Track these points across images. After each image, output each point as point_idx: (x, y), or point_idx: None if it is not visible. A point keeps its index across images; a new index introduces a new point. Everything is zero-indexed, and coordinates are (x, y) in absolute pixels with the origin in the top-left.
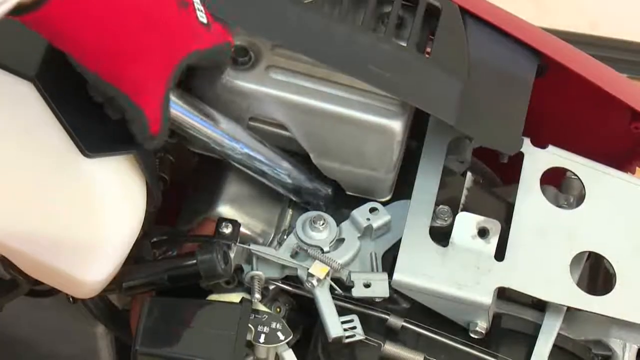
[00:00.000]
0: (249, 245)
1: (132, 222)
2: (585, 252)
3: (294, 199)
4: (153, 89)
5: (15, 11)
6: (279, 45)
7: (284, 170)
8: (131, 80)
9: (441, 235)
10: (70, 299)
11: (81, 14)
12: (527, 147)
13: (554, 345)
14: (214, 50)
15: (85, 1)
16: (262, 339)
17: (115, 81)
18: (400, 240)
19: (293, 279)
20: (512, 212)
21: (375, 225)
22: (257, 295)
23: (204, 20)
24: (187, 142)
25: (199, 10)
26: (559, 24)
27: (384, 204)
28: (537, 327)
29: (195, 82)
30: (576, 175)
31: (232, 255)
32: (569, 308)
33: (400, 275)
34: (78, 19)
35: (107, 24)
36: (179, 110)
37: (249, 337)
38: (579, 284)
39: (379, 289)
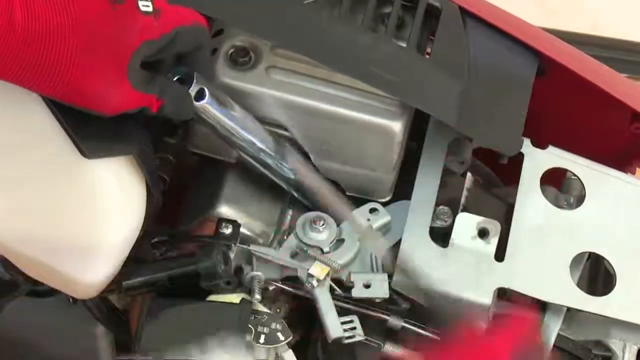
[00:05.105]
0: (249, 245)
1: (132, 222)
2: (585, 252)
3: (295, 195)
4: (118, 94)
5: None
6: (279, 45)
7: (288, 164)
8: (90, 97)
9: (441, 236)
10: (70, 299)
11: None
12: (527, 147)
13: (554, 346)
14: (170, 35)
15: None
16: (262, 340)
17: (78, 102)
18: (400, 240)
19: (293, 280)
20: (512, 213)
21: (375, 225)
22: (257, 296)
23: (149, 9)
24: (187, 142)
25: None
26: (560, 24)
27: (384, 204)
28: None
29: None
30: (576, 176)
31: (232, 255)
32: (569, 308)
33: (401, 275)
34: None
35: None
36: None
37: (249, 337)
38: (579, 284)
39: (379, 289)
